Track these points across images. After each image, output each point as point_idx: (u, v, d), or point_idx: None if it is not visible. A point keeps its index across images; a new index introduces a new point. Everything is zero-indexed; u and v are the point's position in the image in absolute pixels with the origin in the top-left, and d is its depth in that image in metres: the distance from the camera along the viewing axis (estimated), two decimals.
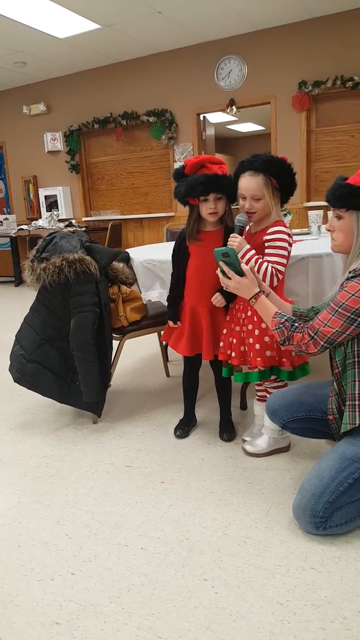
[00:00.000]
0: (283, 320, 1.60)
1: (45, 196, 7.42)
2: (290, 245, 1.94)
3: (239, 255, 1.81)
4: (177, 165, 6.37)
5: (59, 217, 7.08)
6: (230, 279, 1.70)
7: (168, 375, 3.05)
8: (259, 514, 1.69)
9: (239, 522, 1.66)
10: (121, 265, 2.50)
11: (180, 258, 2.17)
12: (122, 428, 2.41)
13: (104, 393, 2.42)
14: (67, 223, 6.89)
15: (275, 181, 1.88)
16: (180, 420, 2.34)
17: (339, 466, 1.52)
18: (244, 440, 2.15)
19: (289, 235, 1.93)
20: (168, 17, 5.13)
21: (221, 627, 1.25)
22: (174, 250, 2.21)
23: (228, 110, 5.93)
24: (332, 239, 1.61)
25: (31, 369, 2.41)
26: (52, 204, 7.40)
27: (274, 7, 5.03)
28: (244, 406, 2.50)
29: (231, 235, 1.86)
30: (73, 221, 7.00)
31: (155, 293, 2.51)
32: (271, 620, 1.27)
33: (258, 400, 2.20)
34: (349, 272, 1.51)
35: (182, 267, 2.16)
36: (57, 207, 7.31)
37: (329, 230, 1.63)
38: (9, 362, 2.50)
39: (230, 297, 2.05)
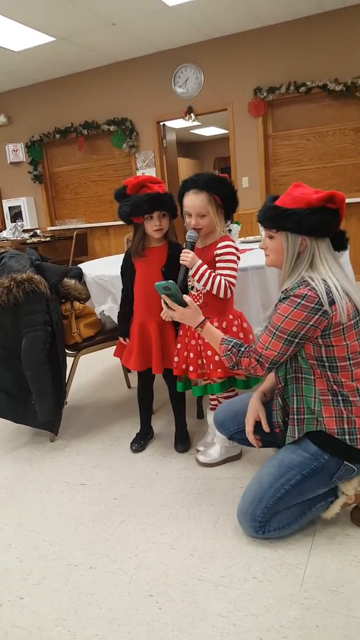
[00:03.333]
0: (230, 346, 1.64)
1: (9, 207, 7.36)
2: (238, 258, 1.99)
3: (193, 270, 1.89)
4: (139, 173, 6.40)
5: (24, 228, 7.04)
6: (174, 310, 1.73)
7: (129, 387, 3.07)
8: (207, 525, 1.73)
9: (187, 535, 1.69)
10: (73, 281, 2.51)
11: (127, 275, 2.20)
12: (79, 445, 2.42)
13: (59, 411, 2.43)
14: (32, 233, 6.86)
15: (217, 198, 1.93)
16: (137, 434, 2.37)
17: (277, 473, 1.57)
18: (198, 451, 2.19)
19: (236, 249, 1.99)
20: (122, 29, 5.17)
21: None
22: (121, 268, 2.24)
23: (186, 118, 5.98)
24: (266, 256, 1.66)
25: None
26: (16, 215, 7.35)
27: (226, 16, 5.11)
28: (200, 415, 2.54)
29: (183, 251, 1.90)
30: (38, 231, 6.97)
31: (106, 307, 2.53)
32: (211, 633, 1.30)
33: (211, 409, 2.24)
34: (282, 292, 1.56)
35: (129, 283, 2.19)
36: (22, 218, 7.27)
37: (262, 248, 1.67)
38: None
39: None
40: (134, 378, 3.12)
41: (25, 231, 6.98)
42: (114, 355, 2.36)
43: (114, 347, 2.38)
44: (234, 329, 2.01)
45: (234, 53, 5.66)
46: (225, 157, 9.95)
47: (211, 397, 2.22)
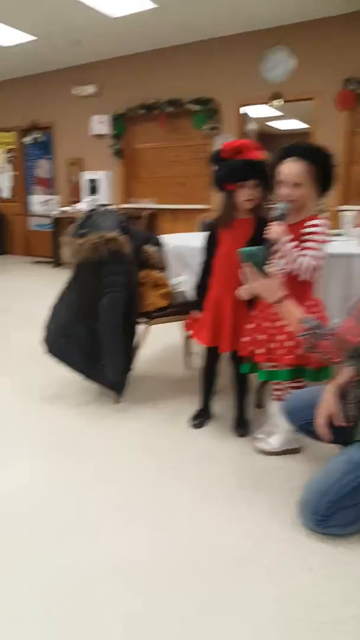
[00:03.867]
0: (309, 327, 1.58)
1: (89, 180, 7.49)
2: (327, 241, 1.90)
3: (280, 245, 1.79)
4: None
5: (99, 203, 7.14)
6: (255, 280, 1.68)
7: (189, 368, 3.06)
8: (264, 511, 1.70)
9: (243, 517, 1.67)
10: (153, 249, 2.52)
11: (210, 246, 2.16)
12: (140, 411, 2.45)
13: (126, 375, 2.46)
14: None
15: (315, 170, 1.85)
16: (197, 410, 2.35)
17: (345, 469, 1.51)
18: (257, 438, 2.15)
19: (327, 230, 1.89)
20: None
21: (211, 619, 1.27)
22: (204, 239, 2.21)
23: (273, 103, 5.81)
24: None
25: (62, 343, 2.47)
26: (94, 189, 7.47)
27: None
28: (260, 404, 2.49)
29: (273, 223, 1.81)
30: (112, 206, 7.05)
31: (182, 278, 2.51)
32: (259, 617, 1.28)
33: (276, 399, 2.18)
34: None
35: (211, 255, 2.15)
36: (98, 192, 7.38)
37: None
38: (44, 334, 2.56)
39: None
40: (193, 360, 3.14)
41: (100, 205, 7.08)
42: (184, 328, 2.35)
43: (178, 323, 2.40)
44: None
45: (328, 38, 5.40)
46: None
47: (276, 387, 2.16)
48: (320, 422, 1.64)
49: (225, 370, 2.32)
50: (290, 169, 1.85)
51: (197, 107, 6.30)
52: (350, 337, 1.48)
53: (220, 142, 6.13)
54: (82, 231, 2.44)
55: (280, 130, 10.68)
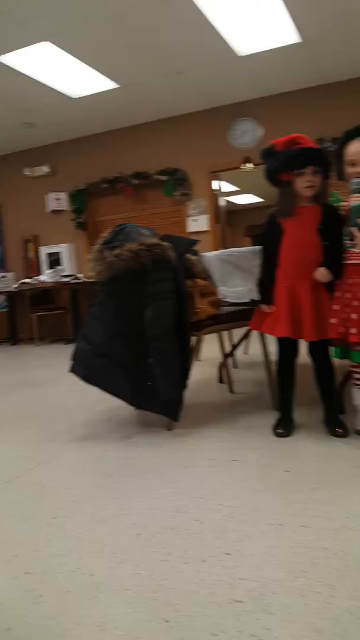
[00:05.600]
0: None
1: (48, 254, 7.37)
2: None
3: None
4: (190, 220, 6.47)
5: (64, 273, 6.98)
6: None
7: (232, 392, 2.78)
8: None
9: None
10: (195, 257, 2.36)
11: (273, 237, 2.04)
12: (205, 432, 2.11)
13: (183, 391, 2.16)
14: (72, 277, 6.78)
15: None
16: (278, 419, 2.06)
17: None
18: (358, 433, 1.90)
19: None
20: (187, 79, 5.40)
21: None
22: (264, 233, 2.09)
23: (242, 167, 6.13)
24: None
25: (101, 364, 2.16)
26: (54, 262, 7.33)
27: (289, 71, 5.39)
28: (341, 409, 2.24)
29: (353, 197, 1.75)
30: (79, 275, 6.90)
31: (240, 290, 2.32)
32: None
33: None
34: None
35: (275, 245, 2.02)
36: (61, 264, 7.24)
37: None
38: (72, 362, 2.23)
39: (336, 273, 1.91)
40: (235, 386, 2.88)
41: (65, 276, 6.91)
42: (250, 327, 2.14)
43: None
44: None
45: (295, 108, 5.88)
46: (256, 225, 10.19)
47: (358, 374, 1.96)
48: None
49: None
50: (359, 147, 1.83)
51: (164, 177, 6.52)
52: None
53: (194, 206, 6.42)
54: (115, 244, 2.26)
55: (238, 204, 11.30)
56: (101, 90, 5.56)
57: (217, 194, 6.58)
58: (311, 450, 1.82)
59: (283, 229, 2.00)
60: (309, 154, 1.92)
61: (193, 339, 2.29)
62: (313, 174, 1.92)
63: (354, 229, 1.62)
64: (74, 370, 2.23)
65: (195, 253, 2.49)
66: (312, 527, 1.26)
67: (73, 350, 2.27)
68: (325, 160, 1.94)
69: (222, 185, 6.68)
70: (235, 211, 11.10)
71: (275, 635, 0.91)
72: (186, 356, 2.17)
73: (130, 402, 2.19)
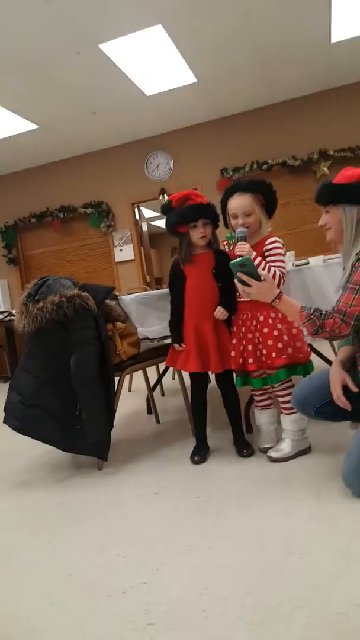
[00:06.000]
0: (311, 312, 1.71)
1: None
2: (285, 253, 2.13)
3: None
4: (117, 250, 6.68)
5: None
6: (250, 286, 1.80)
7: (158, 422, 2.99)
8: (310, 500, 1.67)
9: (296, 507, 1.64)
10: (113, 302, 2.55)
11: (177, 283, 2.27)
12: (131, 468, 2.30)
13: (109, 432, 2.33)
14: (6, 314, 6.78)
15: (261, 197, 2.11)
16: (194, 447, 2.29)
17: None
18: (262, 451, 2.15)
19: (283, 244, 2.13)
20: (102, 118, 5.68)
21: (328, 585, 1.20)
22: (170, 279, 2.32)
23: (160, 199, 6.44)
24: (326, 230, 1.82)
25: (31, 414, 2.29)
26: None
27: (193, 106, 5.78)
28: (249, 429, 2.50)
29: (238, 244, 1.99)
30: (13, 311, 6.90)
31: (156, 329, 2.54)
32: None
33: (261, 409, 2.24)
34: (357, 254, 1.69)
35: (180, 290, 2.25)
36: None
37: (321, 225, 1.83)
38: (4, 414, 2.35)
39: (231, 310, 2.17)
40: (162, 415, 3.08)
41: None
42: (165, 364, 2.35)
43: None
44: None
45: (201, 140, 6.31)
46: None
47: (258, 398, 2.24)
48: (338, 393, 1.73)
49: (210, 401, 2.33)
50: (240, 201, 2.10)
51: (90, 210, 6.70)
52: (351, 309, 1.64)
53: (119, 237, 6.62)
54: (38, 297, 2.41)
55: (162, 228, 11.53)
56: (22, 131, 5.71)
57: (140, 222, 6.83)
58: (222, 473, 2.05)
59: (185, 274, 2.25)
60: (199, 209, 2.18)
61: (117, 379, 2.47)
62: (204, 226, 2.19)
63: (235, 281, 1.84)
64: (6, 422, 2.35)
65: (114, 298, 2.69)
66: (215, 549, 1.47)
67: (5, 402, 2.38)
68: (213, 213, 2.21)
69: (144, 212, 6.94)
70: (160, 234, 11.40)
71: None
72: (111, 398, 2.34)
73: (62, 447, 2.33)
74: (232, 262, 1.79)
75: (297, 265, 3.04)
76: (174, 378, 4.09)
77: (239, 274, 1.79)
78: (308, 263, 2.74)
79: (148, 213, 8.36)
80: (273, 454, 2.08)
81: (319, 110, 5.96)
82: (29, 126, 5.60)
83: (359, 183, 1.71)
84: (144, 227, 7.12)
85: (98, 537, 1.67)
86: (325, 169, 5.92)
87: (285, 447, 2.08)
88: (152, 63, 4.64)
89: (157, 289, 4.89)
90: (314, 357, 2.70)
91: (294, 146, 5.98)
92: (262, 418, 2.25)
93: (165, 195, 6.44)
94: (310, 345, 2.41)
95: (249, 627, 1.12)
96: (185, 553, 1.48)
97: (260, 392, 2.24)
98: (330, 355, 2.87)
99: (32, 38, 3.93)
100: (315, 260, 2.77)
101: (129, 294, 4.23)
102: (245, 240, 2.02)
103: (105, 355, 2.34)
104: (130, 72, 4.74)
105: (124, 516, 1.80)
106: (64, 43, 4.07)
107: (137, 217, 6.80)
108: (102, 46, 4.20)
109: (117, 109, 5.54)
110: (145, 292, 2.64)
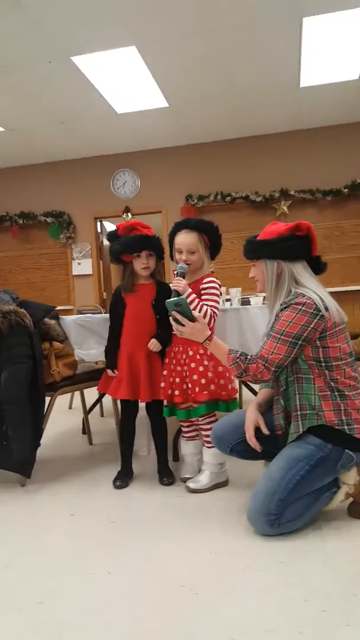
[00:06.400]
0: (237, 355, 1.81)
1: None
2: (220, 294, 2.23)
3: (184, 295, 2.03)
4: (75, 263, 6.70)
5: None
6: (183, 325, 1.87)
7: (91, 443, 3.01)
8: (215, 535, 1.74)
9: (199, 541, 1.70)
10: (53, 322, 2.58)
11: (117, 309, 2.34)
12: (53, 487, 2.31)
13: (35, 450, 2.34)
14: None
15: (206, 238, 2.22)
16: (118, 471, 2.33)
17: (287, 466, 1.69)
18: (183, 481, 2.22)
19: (219, 285, 2.24)
20: (70, 129, 5.73)
21: (210, 618, 1.27)
22: (111, 304, 2.38)
23: (124, 216, 6.52)
24: (256, 282, 1.94)
25: None
26: None
27: (163, 130, 5.93)
28: (176, 457, 2.57)
29: (175, 279, 2.08)
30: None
31: (94, 352, 2.58)
32: (253, 605, 1.32)
33: (187, 439, 2.32)
34: (281, 305, 1.81)
35: (119, 316, 2.32)
36: None
37: (251, 277, 1.96)
38: None
39: (164, 342, 2.25)
40: (94, 436, 3.11)
41: None
42: (97, 389, 2.40)
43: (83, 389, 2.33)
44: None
45: (169, 163, 6.46)
46: None
47: (185, 429, 2.33)
48: (249, 434, 1.83)
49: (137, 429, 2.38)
50: (186, 238, 2.19)
51: (50, 219, 6.70)
52: (273, 356, 1.75)
53: (79, 249, 6.64)
54: None
55: None
56: None
57: (101, 237, 6.88)
58: (140, 500, 2.10)
59: (125, 302, 2.31)
60: (144, 240, 2.25)
61: (48, 399, 2.50)
62: (147, 257, 2.26)
63: (170, 319, 1.92)
64: None
65: (55, 317, 2.72)
66: (116, 574, 1.52)
67: None
68: (157, 245, 2.29)
69: (107, 227, 6.99)
70: None
71: None
72: (39, 418, 2.36)
73: None
74: (168, 300, 1.86)
75: (241, 300, 3.19)
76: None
77: (173, 313, 1.86)
78: (250, 303, 2.86)
79: (111, 228, 8.40)
80: (191, 484, 2.15)
81: (284, 150, 6.23)
82: None
83: (277, 239, 1.82)
84: (105, 242, 7.18)
85: (5, 554, 1.69)
86: (285, 208, 6.17)
87: (204, 479, 2.16)
88: (125, 82, 4.73)
89: None
90: (246, 392, 2.81)
91: (257, 182, 6.22)
92: (187, 449, 2.32)
93: (129, 214, 6.54)
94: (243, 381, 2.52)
95: None
96: (86, 576, 1.52)
97: (187, 423, 2.32)
98: None
99: (1, 40, 3.92)
100: (255, 300, 2.90)
101: (79, 311, 4.27)
102: (183, 277, 2.11)
103: (37, 374, 2.37)
104: (102, 87, 4.81)
105: (36, 535, 1.82)
106: (35, 50, 4.09)
107: (99, 231, 6.85)
108: (74, 58, 4.26)
109: (86, 122, 5.61)
110: (86, 315, 2.69)
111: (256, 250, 1.87)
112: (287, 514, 1.66)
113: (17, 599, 1.42)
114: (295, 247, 1.82)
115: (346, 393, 1.75)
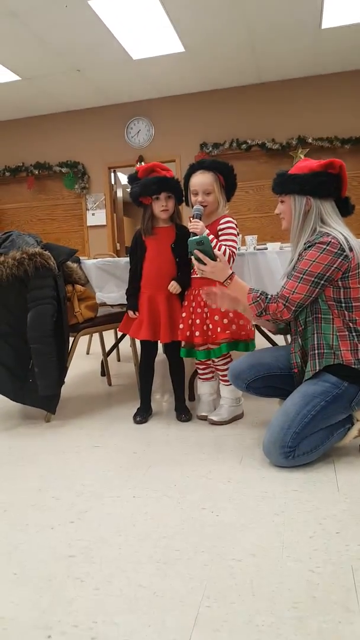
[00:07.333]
0: (258, 294, 1.85)
1: None
2: (238, 234, 2.24)
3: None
4: (89, 214, 6.67)
5: None
6: (205, 264, 1.90)
7: (110, 384, 3.12)
8: (233, 462, 1.85)
9: (218, 470, 1.80)
10: (75, 265, 2.63)
11: (137, 252, 2.36)
12: (78, 422, 2.43)
13: (60, 388, 2.44)
14: None
15: (222, 178, 2.21)
16: (138, 408, 2.43)
17: (302, 402, 1.75)
18: (200, 418, 2.32)
19: (236, 225, 2.24)
20: (86, 77, 5.60)
21: (231, 537, 1.37)
22: (131, 247, 2.41)
23: (137, 165, 6.42)
24: (281, 219, 1.95)
25: None
26: None
27: (179, 76, 5.76)
28: (192, 397, 2.66)
29: (192, 221, 2.09)
30: None
31: (114, 295, 2.64)
32: (272, 527, 1.41)
33: (203, 380, 2.40)
34: (305, 244, 1.82)
35: (139, 260, 2.35)
36: None
37: (277, 214, 1.96)
38: None
39: (184, 285, 2.29)
40: (112, 378, 3.21)
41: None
42: (119, 330, 2.46)
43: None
44: None
45: (184, 111, 6.31)
46: None
47: (201, 371, 2.40)
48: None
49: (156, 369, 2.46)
50: (201, 179, 2.19)
51: (65, 170, 6.63)
52: (294, 296, 1.78)
53: (93, 200, 6.59)
54: (0, 251, 2.46)
55: None
56: (2, 81, 5.57)
57: (115, 187, 6.81)
58: (159, 434, 2.20)
59: (145, 245, 2.34)
60: (163, 182, 2.25)
61: (71, 339, 2.58)
62: (166, 199, 2.27)
63: (192, 258, 1.94)
64: None
65: (77, 260, 2.76)
66: (140, 497, 1.62)
67: None
68: (176, 187, 2.29)
69: (120, 178, 6.92)
70: None
71: (93, 577, 1.24)
72: (64, 356, 2.44)
73: (13, 397, 2.43)
74: (190, 239, 1.88)
75: (257, 248, 3.18)
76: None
77: (195, 252, 1.89)
78: (267, 248, 2.87)
79: (124, 179, 8.30)
80: (214, 417, 2.26)
81: (302, 96, 6.02)
82: (11, 76, 5.47)
83: (309, 175, 1.81)
84: (119, 194, 7.11)
85: (36, 480, 1.80)
86: (302, 156, 6.02)
87: (224, 412, 2.26)
88: (142, 27, 4.59)
89: None
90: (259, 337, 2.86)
91: (274, 129, 6.06)
92: (203, 389, 2.40)
93: (142, 162, 6.43)
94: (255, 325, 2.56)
95: (156, 564, 1.27)
96: (113, 499, 1.62)
97: (203, 365, 2.39)
98: (278, 339, 3.05)
99: None
100: (272, 246, 2.90)
101: (94, 258, 4.29)
102: (200, 219, 2.11)
103: (61, 315, 2.43)
104: (119, 33, 4.68)
105: (63, 464, 1.94)
106: None
107: (113, 182, 6.78)
108: (91, 2, 4.13)
109: (102, 69, 5.47)
110: (106, 259, 2.72)
111: (286, 184, 1.85)
112: (302, 446, 1.74)
113: (50, 518, 1.53)
114: (327, 184, 1.80)
115: None
